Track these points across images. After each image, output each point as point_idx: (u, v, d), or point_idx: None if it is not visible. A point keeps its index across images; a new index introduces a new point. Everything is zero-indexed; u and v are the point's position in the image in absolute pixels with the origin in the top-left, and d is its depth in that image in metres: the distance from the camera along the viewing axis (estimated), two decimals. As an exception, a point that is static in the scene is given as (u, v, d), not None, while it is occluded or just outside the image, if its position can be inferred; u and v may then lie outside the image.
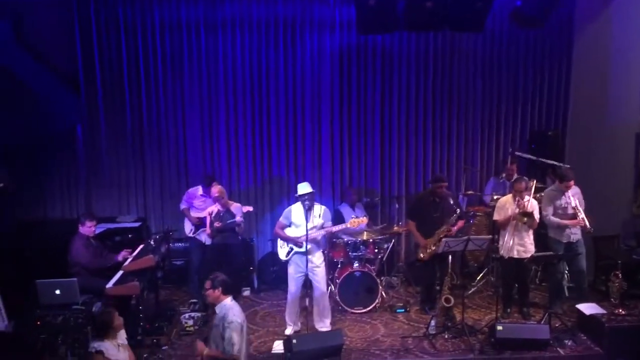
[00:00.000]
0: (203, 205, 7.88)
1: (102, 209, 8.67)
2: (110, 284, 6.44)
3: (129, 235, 8.12)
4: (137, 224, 8.51)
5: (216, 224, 7.41)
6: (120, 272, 6.66)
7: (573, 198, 7.01)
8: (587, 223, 6.95)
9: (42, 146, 8.45)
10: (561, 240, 7.21)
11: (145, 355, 6.40)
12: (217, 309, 4.75)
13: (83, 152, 8.78)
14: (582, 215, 6.97)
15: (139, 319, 6.70)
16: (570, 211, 7.07)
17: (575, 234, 7.17)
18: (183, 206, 8.14)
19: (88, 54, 8.53)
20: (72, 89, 8.55)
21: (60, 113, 8.35)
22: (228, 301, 4.77)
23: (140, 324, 6.69)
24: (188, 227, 8.03)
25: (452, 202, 7.23)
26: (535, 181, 7.46)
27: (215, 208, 7.53)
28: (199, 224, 7.87)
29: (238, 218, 7.48)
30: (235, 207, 7.58)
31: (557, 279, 7.35)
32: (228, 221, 7.43)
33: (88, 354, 4.69)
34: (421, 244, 7.21)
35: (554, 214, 7.17)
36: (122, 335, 4.94)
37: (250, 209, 8.09)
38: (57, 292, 6.30)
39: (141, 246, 7.20)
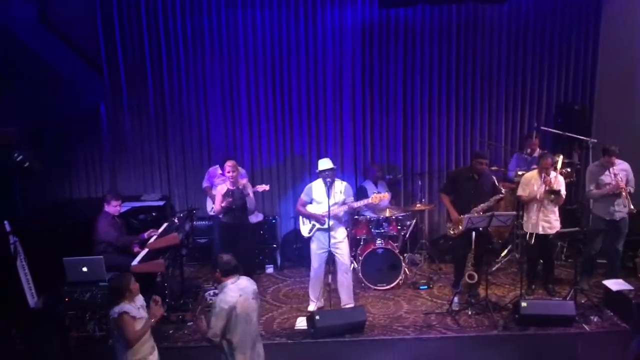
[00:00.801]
0: (222, 183, 7.87)
1: (126, 187, 8.77)
2: (135, 262, 6.53)
3: (153, 214, 8.21)
4: (161, 202, 8.60)
5: (224, 203, 7.27)
6: (146, 250, 6.75)
7: (619, 174, 6.87)
8: (630, 200, 6.81)
9: (67, 126, 8.54)
10: (604, 217, 7.09)
11: (171, 331, 6.53)
12: (219, 289, 4.79)
13: (107, 132, 8.86)
14: (625, 190, 6.84)
15: (164, 296, 6.80)
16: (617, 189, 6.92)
17: (619, 212, 7.03)
18: (205, 184, 8.21)
19: (110, 35, 8.56)
20: (95, 70, 8.61)
21: (84, 93, 8.43)
22: (228, 283, 4.71)
23: (165, 300, 6.79)
24: (210, 206, 8.08)
25: (495, 182, 7.04)
26: (562, 156, 7.34)
27: (225, 186, 7.39)
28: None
29: (250, 196, 7.38)
30: (247, 186, 7.44)
31: (589, 255, 7.26)
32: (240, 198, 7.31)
33: (112, 321, 4.73)
34: (454, 220, 6.99)
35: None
36: (141, 299, 4.99)
37: (267, 187, 7.92)
38: (84, 269, 6.41)
39: (165, 224, 7.29)
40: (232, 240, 7.26)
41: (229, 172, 7.25)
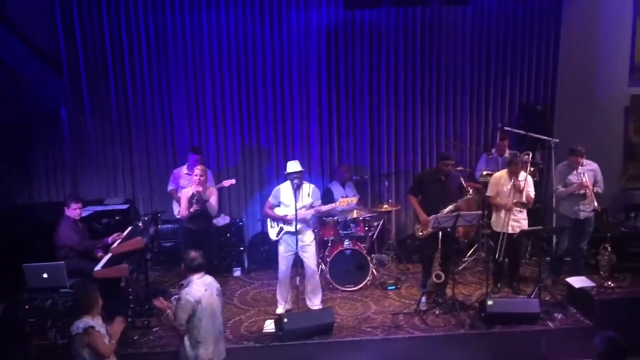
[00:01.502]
0: (189, 184, 7.76)
1: (89, 191, 8.59)
2: (98, 267, 6.37)
3: (117, 218, 8.05)
4: (125, 206, 8.44)
5: (192, 209, 7.22)
6: (109, 255, 6.60)
7: (586, 174, 6.99)
8: (595, 200, 6.94)
9: (27, 129, 8.33)
10: (569, 216, 7.23)
11: (136, 337, 6.40)
12: (185, 283, 4.89)
13: (68, 134, 8.65)
14: (590, 191, 6.96)
15: (129, 301, 6.67)
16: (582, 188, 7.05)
17: (584, 212, 7.17)
18: (170, 187, 8.09)
19: (70, 35, 8.37)
20: (55, 71, 8.40)
21: (43, 95, 8.21)
22: (194, 278, 4.84)
23: (130, 306, 6.66)
24: (176, 209, 7.96)
25: (462, 183, 7.07)
26: (530, 154, 7.44)
27: (192, 190, 7.30)
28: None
29: (211, 201, 7.31)
30: (209, 191, 7.36)
31: (555, 253, 7.40)
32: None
33: (76, 337, 4.57)
34: (422, 221, 6.97)
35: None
36: (99, 319, 4.88)
37: (233, 181, 7.90)
38: (45, 275, 6.24)
39: (129, 228, 7.14)
40: (198, 245, 7.10)
41: (197, 176, 7.17)
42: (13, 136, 8.19)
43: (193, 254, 4.91)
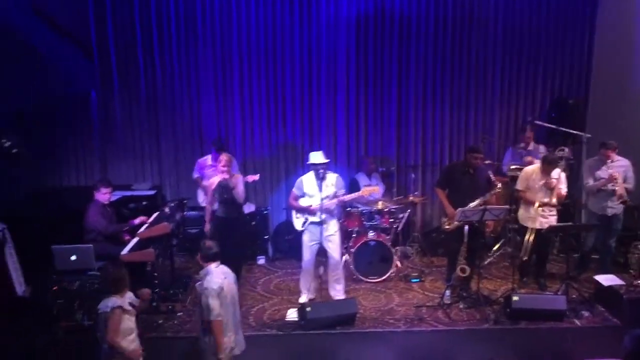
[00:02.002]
0: (214, 174, 7.76)
1: (117, 176, 8.65)
2: (125, 250, 6.46)
3: (144, 203, 8.12)
4: (152, 192, 8.52)
5: (215, 204, 7.17)
6: (136, 239, 6.68)
7: (617, 171, 6.87)
8: (624, 192, 6.83)
9: (57, 113, 8.44)
10: (597, 212, 7.11)
11: (160, 321, 6.47)
12: (201, 274, 4.83)
13: (97, 119, 8.75)
14: (619, 185, 6.84)
15: (154, 286, 6.75)
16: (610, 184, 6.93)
17: (612, 208, 7.06)
18: (195, 175, 8.13)
19: (101, 20, 8.44)
20: (85, 55, 8.48)
21: (74, 80, 8.30)
22: (211, 267, 4.80)
23: (155, 290, 6.74)
24: (201, 197, 8.01)
25: (491, 177, 6.96)
26: (565, 150, 7.31)
27: (218, 179, 7.18)
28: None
29: (238, 188, 7.14)
30: (236, 179, 7.19)
31: (583, 250, 7.27)
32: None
33: (102, 315, 4.65)
34: (449, 214, 6.90)
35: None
36: (130, 294, 4.94)
37: (256, 177, 7.64)
38: (73, 257, 6.33)
39: (156, 214, 7.21)
40: (225, 233, 7.11)
41: (223, 166, 7.02)
42: (43, 120, 8.30)
43: (209, 242, 4.93)
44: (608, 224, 7.13)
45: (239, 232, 7.31)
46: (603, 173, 6.98)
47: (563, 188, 6.95)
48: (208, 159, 8.03)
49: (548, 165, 6.86)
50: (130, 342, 4.69)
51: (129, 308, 4.72)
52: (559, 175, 6.91)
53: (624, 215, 7.26)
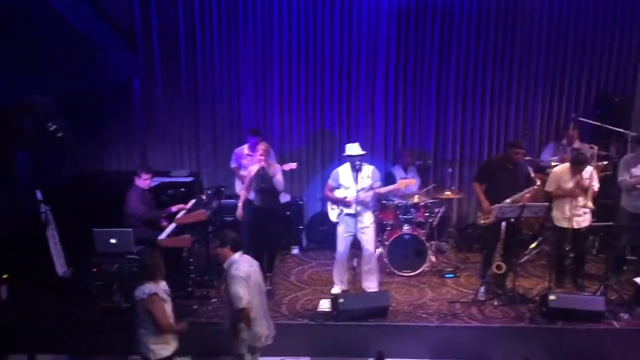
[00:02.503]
0: (251, 164, 7.78)
1: (156, 162, 8.80)
2: (162, 236, 6.59)
3: (182, 190, 8.22)
4: (190, 179, 8.64)
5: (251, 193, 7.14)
6: (173, 225, 6.80)
7: None
8: None
9: (101, 99, 8.61)
10: (629, 211, 6.92)
11: (195, 307, 6.58)
12: (225, 265, 4.82)
13: (139, 107, 8.93)
14: None
15: (190, 271, 6.87)
16: None
17: None
18: (233, 165, 8.19)
19: (145, 11, 8.59)
20: (129, 44, 8.66)
21: (117, 67, 8.48)
22: (235, 256, 4.81)
23: (190, 276, 6.86)
24: (239, 186, 8.07)
25: (530, 173, 6.85)
26: (597, 148, 7.14)
27: (256, 167, 7.11)
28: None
29: (277, 177, 7.08)
30: (274, 168, 7.15)
31: (617, 250, 7.09)
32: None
33: (140, 302, 4.75)
34: (485, 209, 6.79)
35: None
36: (164, 283, 5.02)
37: (294, 166, 7.46)
38: (113, 241, 6.47)
39: (193, 200, 7.32)
40: (261, 222, 7.11)
41: (261, 155, 6.98)
42: (87, 106, 8.47)
43: (232, 233, 4.96)
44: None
45: (275, 222, 7.31)
46: (638, 170, 6.79)
47: (595, 185, 6.79)
48: (245, 148, 8.09)
49: (577, 166, 6.69)
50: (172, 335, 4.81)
51: (164, 296, 4.81)
52: (590, 174, 6.74)
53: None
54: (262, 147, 7.09)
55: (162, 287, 4.87)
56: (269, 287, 6.75)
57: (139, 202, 6.95)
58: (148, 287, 4.72)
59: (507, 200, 6.56)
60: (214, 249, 4.94)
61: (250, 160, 7.70)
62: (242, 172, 7.92)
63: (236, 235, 4.93)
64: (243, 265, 4.77)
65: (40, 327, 6.28)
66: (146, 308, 4.69)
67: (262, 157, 6.94)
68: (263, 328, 4.83)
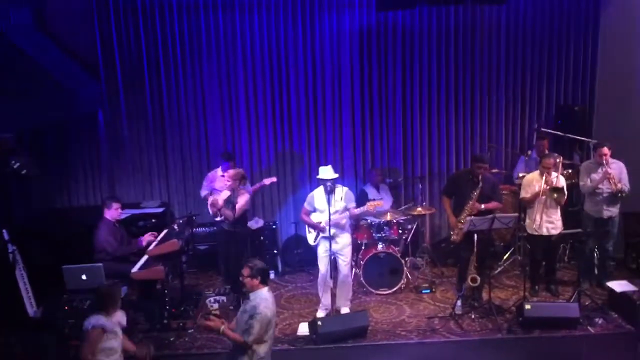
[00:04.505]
0: (224, 186, 7.78)
1: (125, 194, 8.68)
2: (135, 269, 6.49)
3: (153, 220, 8.13)
4: (160, 209, 8.52)
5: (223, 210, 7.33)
6: (145, 257, 6.70)
7: (612, 171, 6.91)
8: (619, 186, 6.86)
9: (64, 133, 8.51)
10: (593, 215, 7.10)
11: (172, 339, 6.47)
12: (252, 296, 4.66)
13: (105, 138, 8.79)
14: (616, 180, 6.87)
15: (165, 303, 6.75)
16: (607, 185, 6.95)
17: (608, 211, 7.06)
18: (204, 192, 8.08)
19: (107, 39, 8.49)
20: (92, 75, 8.56)
21: (81, 99, 8.35)
22: (264, 291, 4.64)
23: (166, 307, 6.75)
24: (212, 211, 7.97)
25: (496, 185, 7.01)
26: (562, 158, 7.32)
27: (226, 194, 7.34)
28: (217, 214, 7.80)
29: (239, 204, 7.32)
30: (241, 194, 7.39)
31: (586, 256, 7.24)
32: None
33: (85, 331, 4.65)
34: (451, 223, 6.98)
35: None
36: (121, 315, 4.90)
37: (274, 179, 7.85)
38: (84, 277, 6.35)
39: (165, 231, 7.23)
40: (227, 249, 7.28)
41: (227, 181, 7.28)
42: (52, 140, 8.37)
43: (261, 263, 4.72)
44: (604, 228, 7.12)
45: (240, 248, 7.42)
46: (598, 176, 6.99)
47: (561, 178, 7.00)
48: (218, 170, 8.03)
49: (544, 160, 6.95)
50: None
51: (115, 329, 4.71)
52: (557, 177, 6.95)
53: (634, 221, 7.23)
54: (231, 172, 7.22)
55: (115, 319, 4.79)
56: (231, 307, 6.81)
57: (108, 236, 6.81)
58: (95, 319, 4.65)
59: (465, 210, 6.71)
60: (241, 276, 4.69)
61: (224, 181, 7.71)
62: (216, 196, 7.87)
63: (264, 266, 4.72)
64: (271, 302, 4.61)
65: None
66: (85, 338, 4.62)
67: (229, 182, 7.18)
68: None
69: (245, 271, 4.64)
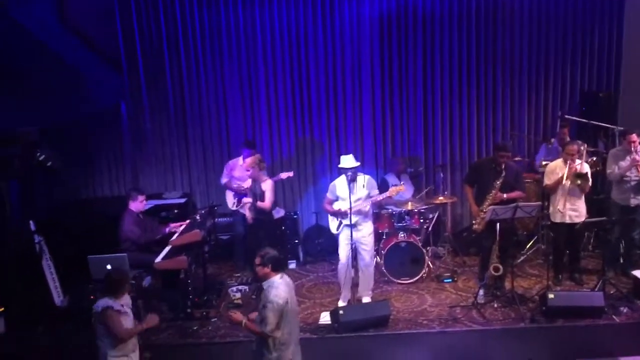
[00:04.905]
0: (244, 175, 7.81)
1: (148, 185, 8.80)
2: (158, 259, 6.56)
3: (175, 211, 8.22)
4: (182, 200, 8.62)
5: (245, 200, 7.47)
6: (168, 247, 6.77)
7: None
8: None
9: (88, 126, 8.62)
10: (619, 203, 7.00)
11: (195, 328, 6.54)
12: (264, 285, 4.69)
13: (128, 130, 8.91)
14: None
15: (188, 293, 6.83)
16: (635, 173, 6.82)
17: (635, 199, 6.94)
18: (224, 179, 8.14)
19: (128, 32, 8.58)
20: (114, 68, 8.65)
21: (103, 91, 8.49)
22: (277, 279, 4.61)
23: (189, 297, 6.82)
24: (230, 201, 8.03)
25: (519, 174, 6.92)
26: (586, 145, 7.21)
27: (249, 182, 7.48)
28: (243, 193, 7.82)
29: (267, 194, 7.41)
30: (263, 182, 7.43)
31: (611, 244, 7.13)
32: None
33: (95, 315, 4.73)
34: (473, 212, 6.92)
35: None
36: (127, 299, 4.98)
37: (291, 174, 7.91)
38: (109, 266, 6.42)
39: (187, 221, 7.30)
40: (255, 236, 7.28)
41: (247, 170, 7.36)
42: (76, 133, 8.49)
43: (273, 251, 4.70)
44: (631, 216, 7.01)
45: (267, 236, 7.41)
46: (626, 163, 6.87)
47: (585, 166, 6.91)
48: (239, 159, 8.06)
49: (566, 148, 6.87)
50: (130, 347, 4.79)
51: (124, 310, 4.80)
52: (581, 164, 6.85)
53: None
54: (248, 161, 7.34)
55: (123, 301, 4.87)
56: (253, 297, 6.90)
57: (132, 226, 6.91)
58: (103, 301, 4.73)
59: (487, 197, 6.66)
60: (255, 266, 4.73)
61: (245, 171, 7.78)
62: (234, 185, 7.92)
63: (276, 254, 4.69)
64: (283, 290, 4.58)
65: (39, 358, 6.21)
66: (101, 322, 4.69)
67: (249, 172, 7.31)
68: (287, 352, 4.70)
69: (257, 260, 4.65)
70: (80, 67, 7.71)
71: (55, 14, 8.20)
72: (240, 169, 7.92)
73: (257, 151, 8.05)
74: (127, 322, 4.81)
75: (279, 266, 4.68)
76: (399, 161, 8.53)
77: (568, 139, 8.07)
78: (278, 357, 4.59)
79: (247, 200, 7.54)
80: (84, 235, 7.34)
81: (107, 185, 9.04)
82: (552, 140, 8.32)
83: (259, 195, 7.36)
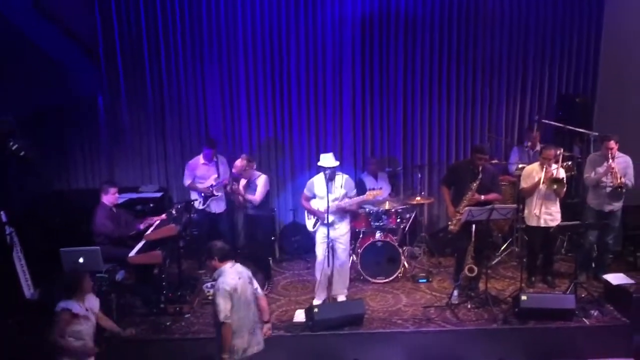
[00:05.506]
0: (207, 174, 7.82)
1: (124, 179, 8.70)
2: (132, 253, 6.49)
3: (151, 205, 8.13)
4: (159, 194, 8.53)
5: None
6: (143, 241, 6.70)
7: (618, 165, 6.85)
8: (622, 180, 6.81)
9: (64, 116, 8.49)
10: (594, 208, 7.09)
11: (168, 323, 6.49)
12: (215, 275, 4.79)
13: (105, 122, 8.79)
14: (619, 175, 6.82)
15: (162, 288, 6.77)
16: (610, 179, 6.91)
17: (610, 205, 7.03)
18: (187, 181, 8.05)
19: (107, 23, 8.48)
20: (91, 59, 8.52)
21: (80, 82, 8.34)
22: (227, 267, 4.76)
23: (163, 292, 6.77)
24: (197, 201, 7.97)
25: (495, 176, 6.98)
26: (562, 150, 7.30)
27: (213, 181, 7.67)
28: (209, 194, 7.88)
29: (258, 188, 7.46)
30: (259, 178, 7.52)
31: (585, 248, 7.23)
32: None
33: (55, 313, 4.74)
34: (449, 213, 6.97)
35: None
36: (93, 301, 4.96)
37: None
38: (81, 260, 6.35)
39: (163, 215, 7.22)
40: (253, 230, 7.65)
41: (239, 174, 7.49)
42: (51, 123, 8.34)
43: (219, 243, 4.88)
44: (605, 221, 7.11)
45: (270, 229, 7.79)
46: (603, 168, 6.96)
47: (561, 171, 7.00)
48: (200, 158, 8.01)
49: (544, 151, 6.93)
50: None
51: (84, 314, 4.76)
52: (557, 169, 6.94)
53: (633, 214, 7.22)
54: (237, 164, 7.43)
55: (87, 303, 4.86)
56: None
57: (105, 219, 6.81)
58: (64, 303, 4.73)
59: (464, 198, 6.71)
60: (205, 262, 4.85)
61: (208, 169, 7.84)
62: (199, 185, 7.87)
63: (223, 245, 4.85)
64: (230, 278, 4.70)
65: (7, 351, 6.09)
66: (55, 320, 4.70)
67: (243, 173, 7.45)
68: (242, 341, 4.76)
69: (205, 255, 4.77)
70: (56, 56, 7.55)
71: (33, 0, 8.04)
72: (202, 168, 7.88)
73: (217, 151, 8.02)
74: (86, 326, 4.78)
75: (225, 256, 4.80)
76: (373, 162, 8.56)
77: (539, 143, 8.17)
78: (231, 346, 4.63)
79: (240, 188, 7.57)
80: (58, 228, 7.23)
81: (82, 178, 8.92)
82: (528, 143, 8.39)
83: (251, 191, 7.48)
